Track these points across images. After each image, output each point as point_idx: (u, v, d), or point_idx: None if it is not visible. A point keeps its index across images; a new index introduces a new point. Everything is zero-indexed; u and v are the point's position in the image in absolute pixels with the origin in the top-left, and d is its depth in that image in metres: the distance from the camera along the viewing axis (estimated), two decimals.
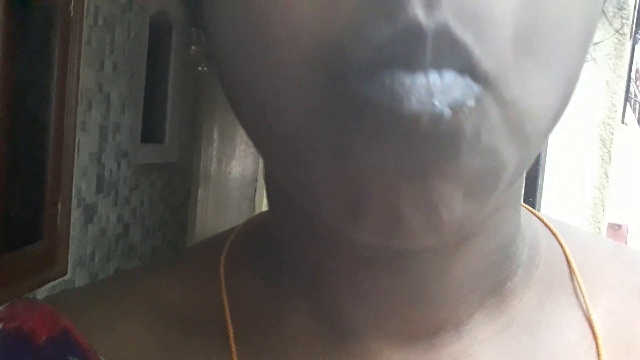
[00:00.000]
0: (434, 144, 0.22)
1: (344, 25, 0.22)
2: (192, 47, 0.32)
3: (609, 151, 1.60)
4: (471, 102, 0.22)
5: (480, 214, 0.25)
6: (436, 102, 0.21)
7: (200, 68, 0.33)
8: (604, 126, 1.60)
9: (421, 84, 0.21)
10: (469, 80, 0.22)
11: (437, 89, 0.21)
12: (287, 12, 0.23)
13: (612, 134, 1.58)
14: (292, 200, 0.30)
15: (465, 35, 0.21)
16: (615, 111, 1.54)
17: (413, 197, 0.23)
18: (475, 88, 0.22)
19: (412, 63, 0.21)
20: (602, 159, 1.60)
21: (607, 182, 1.62)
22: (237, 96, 0.27)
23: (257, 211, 2.64)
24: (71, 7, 1.54)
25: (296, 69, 0.23)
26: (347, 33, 0.22)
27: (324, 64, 0.23)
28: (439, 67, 0.22)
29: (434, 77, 0.21)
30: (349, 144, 0.23)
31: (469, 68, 0.22)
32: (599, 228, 1.65)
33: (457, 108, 0.22)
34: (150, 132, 2.31)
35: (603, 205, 1.62)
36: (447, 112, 0.22)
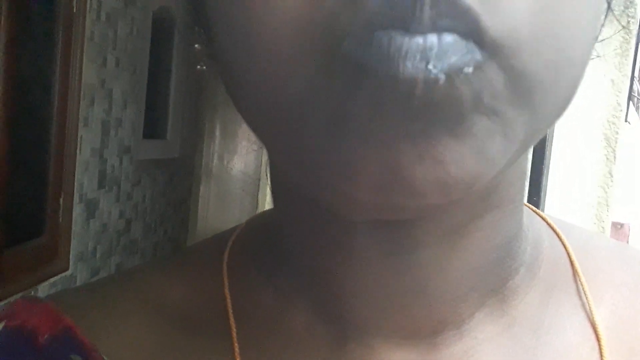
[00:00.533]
0: (433, 107, 0.22)
1: None
2: (196, 46, 0.32)
3: (614, 150, 1.60)
4: (469, 69, 0.21)
5: (490, 174, 0.24)
6: (431, 67, 0.21)
7: (199, 67, 0.33)
8: (609, 125, 1.60)
9: (417, 46, 0.21)
10: (471, 45, 0.21)
11: (432, 53, 0.21)
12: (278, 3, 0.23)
13: (617, 133, 1.58)
14: (296, 195, 0.30)
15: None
16: (621, 110, 1.54)
17: (416, 152, 0.23)
18: (478, 54, 0.22)
19: (410, 23, 0.21)
20: (607, 158, 1.60)
21: (612, 181, 1.61)
22: (237, 87, 0.27)
23: (261, 208, 2.66)
24: (74, 3, 1.54)
25: (292, 41, 0.23)
26: (339, 1, 0.22)
27: (319, 32, 0.22)
28: (439, 29, 0.21)
29: (431, 39, 0.21)
30: (347, 110, 0.23)
31: (474, 33, 0.21)
32: (602, 227, 1.65)
33: (452, 74, 0.21)
34: (153, 128, 2.31)
35: (607, 205, 1.62)
36: (441, 77, 0.21)
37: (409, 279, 0.29)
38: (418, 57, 0.21)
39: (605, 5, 0.27)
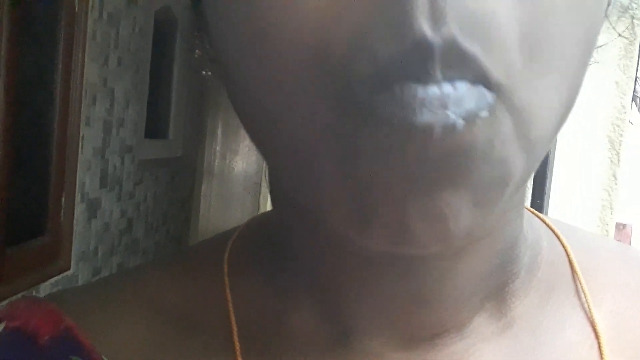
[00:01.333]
0: (446, 156, 0.22)
1: (348, 37, 0.22)
2: (197, 51, 0.32)
3: (618, 153, 1.59)
4: (485, 113, 0.22)
5: (487, 222, 0.25)
6: (450, 113, 0.21)
7: (204, 72, 0.32)
8: (613, 127, 1.59)
9: (434, 94, 0.21)
10: (482, 90, 0.22)
11: (450, 100, 0.21)
12: (288, 22, 0.22)
13: (622, 135, 1.57)
14: (297, 202, 0.30)
15: (473, 47, 0.21)
16: (625, 112, 1.54)
17: (421, 209, 0.23)
18: (489, 97, 0.22)
19: (422, 77, 0.21)
20: (611, 161, 1.59)
21: (616, 184, 1.61)
22: (242, 104, 0.27)
23: (262, 208, 2.66)
24: (76, 2, 1.54)
25: (301, 80, 0.23)
26: (351, 46, 0.22)
27: (329, 75, 0.22)
28: (450, 79, 0.21)
29: (447, 87, 0.21)
30: (356, 157, 0.23)
31: (480, 78, 0.22)
32: (606, 230, 1.65)
33: (470, 119, 0.22)
34: (155, 128, 2.31)
35: (611, 208, 1.62)
36: (460, 123, 0.21)
37: (412, 284, 0.29)
38: (436, 103, 0.21)
39: (602, 16, 0.27)
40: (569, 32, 0.24)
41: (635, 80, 1.66)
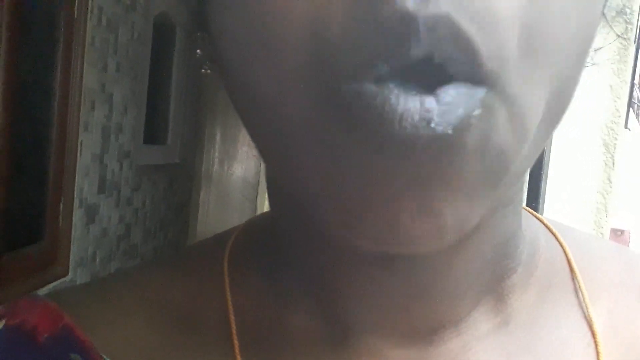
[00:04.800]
0: (436, 157, 0.22)
1: (336, 25, 0.22)
2: (197, 50, 0.32)
3: (612, 156, 1.60)
4: (477, 111, 0.21)
5: (481, 214, 0.24)
6: (434, 125, 0.21)
7: (203, 70, 0.33)
8: (608, 131, 1.60)
9: (414, 108, 0.21)
10: (471, 88, 0.21)
11: (433, 113, 0.21)
12: (283, 14, 0.23)
13: (616, 139, 1.58)
14: (294, 201, 0.30)
15: (470, 28, 0.21)
16: (619, 116, 1.54)
17: (412, 207, 0.23)
18: (480, 92, 0.21)
19: (404, 54, 0.21)
20: (606, 164, 1.60)
21: (610, 187, 1.62)
22: (239, 99, 0.27)
23: (260, 211, 2.64)
24: (75, 8, 1.54)
25: (291, 73, 0.23)
26: (339, 33, 0.21)
27: (317, 69, 0.22)
28: (436, 59, 0.21)
29: (429, 101, 0.21)
30: (343, 155, 0.23)
31: (472, 67, 0.21)
32: (601, 233, 1.65)
33: (463, 125, 0.21)
34: (153, 133, 2.31)
35: (606, 211, 1.62)
36: (448, 133, 0.21)
37: (408, 280, 0.29)
38: (417, 117, 0.21)
39: (599, 15, 0.27)
40: (567, 26, 0.23)
41: (632, 86, 1.66)
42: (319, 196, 0.25)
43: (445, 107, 0.21)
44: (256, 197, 2.90)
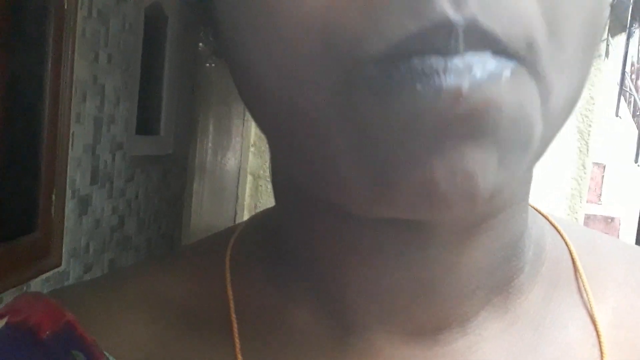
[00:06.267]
0: (474, 113, 0.22)
1: (359, 18, 0.22)
2: (200, 45, 0.32)
3: (587, 143, 1.61)
4: (507, 72, 0.22)
5: (510, 185, 0.25)
6: (475, 70, 0.21)
7: (207, 65, 0.33)
8: (582, 118, 1.60)
9: (458, 61, 0.21)
10: (503, 58, 0.22)
11: (474, 63, 0.22)
12: (298, 4, 0.23)
13: (590, 125, 1.59)
14: (300, 193, 0.30)
15: (495, 28, 0.22)
16: (594, 103, 1.54)
17: (448, 166, 0.23)
18: (510, 63, 0.22)
19: (444, 52, 0.21)
20: (580, 150, 1.61)
21: (585, 173, 1.63)
22: (250, 93, 0.27)
23: (241, 204, 2.63)
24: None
25: (309, 58, 0.23)
26: (362, 26, 0.22)
27: (336, 55, 0.22)
28: (471, 52, 0.22)
29: (469, 56, 0.22)
30: (373, 129, 0.23)
31: (500, 52, 0.22)
32: (576, 219, 1.66)
33: (495, 78, 0.22)
34: (146, 124, 2.31)
35: (580, 197, 1.63)
36: (485, 80, 0.22)
37: (415, 277, 0.29)
38: (461, 67, 0.22)
39: (609, 7, 0.28)
40: (581, 10, 0.24)
41: (623, 75, 1.66)
42: (349, 176, 0.24)
43: (482, 60, 0.22)
44: (236, 186, 2.89)
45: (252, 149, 2.00)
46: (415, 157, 0.23)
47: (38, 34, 1.50)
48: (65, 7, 1.54)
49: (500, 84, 0.22)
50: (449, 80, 0.21)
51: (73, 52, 1.58)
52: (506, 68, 0.22)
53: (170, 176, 2.67)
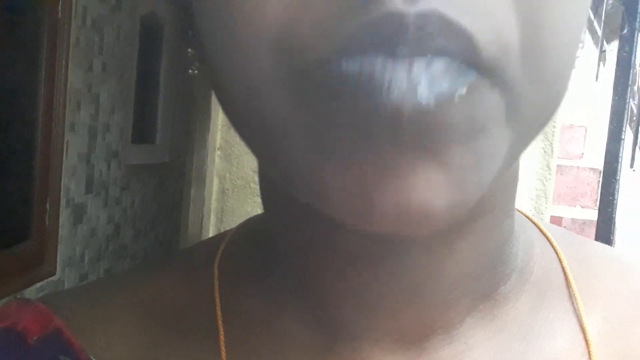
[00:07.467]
0: (418, 136, 0.21)
1: (311, 21, 0.21)
2: (189, 50, 0.32)
3: (551, 143, 1.62)
4: (462, 91, 0.21)
5: (471, 201, 0.24)
6: (420, 94, 0.20)
7: (190, 71, 0.33)
8: None
9: (403, 73, 0.20)
10: (463, 67, 0.21)
11: (422, 79, 0.20)
12: (255, 13, 0.23)
13: (554, 127, 1.60)
14: (285, 199, 0.30)
15: (462, 19, 0.20)
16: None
17: (398, 186, 0.22)
18: (471, 75, 0.21)
19: (391, 50, 0.20)
20: (545, 151, 1.62)
21: (550, 174, 1.63)
22: (222, 99, 0.28)
23: (207, 207, 2.61)
24: (59, 8, 1.54)
25: (265, 66, 0.23)
26: (314, 27, 0.21)
27: (288, 60, 0.22)
28: (429, 52, 0.20)
29: (418, 65, 0.20)
30: (326, 136, 0.22)
31: (467, 53, 0.20)
32: (541, 219, 1.65)
33: (444, 100, 0.20)
34: (142, 133, 2.31)
35: (546, 197, 1.63)
36: (431, 105, 0.20)
37: (399, 283, 0.29)
38: (405, 83, 0.20)
39: (587, 15, 0.27)
40: (563, 22, 0.23)
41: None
42: (305, 177, 0.24)
43: (432, 75, 0.20)
44: (204, 190, 2.87)
45: (218, 152, 2.00)
46: (364, 169, 0.22)
47: (32, 42, 1.50)
48: (59, 16, 1.54)
49: (452, 104, 0.20)
50: (388, 101, 0.20)
51: (67, 61, 1.59)
52: (461, 85, 0.20)
53: (166, 184, 2.67)
